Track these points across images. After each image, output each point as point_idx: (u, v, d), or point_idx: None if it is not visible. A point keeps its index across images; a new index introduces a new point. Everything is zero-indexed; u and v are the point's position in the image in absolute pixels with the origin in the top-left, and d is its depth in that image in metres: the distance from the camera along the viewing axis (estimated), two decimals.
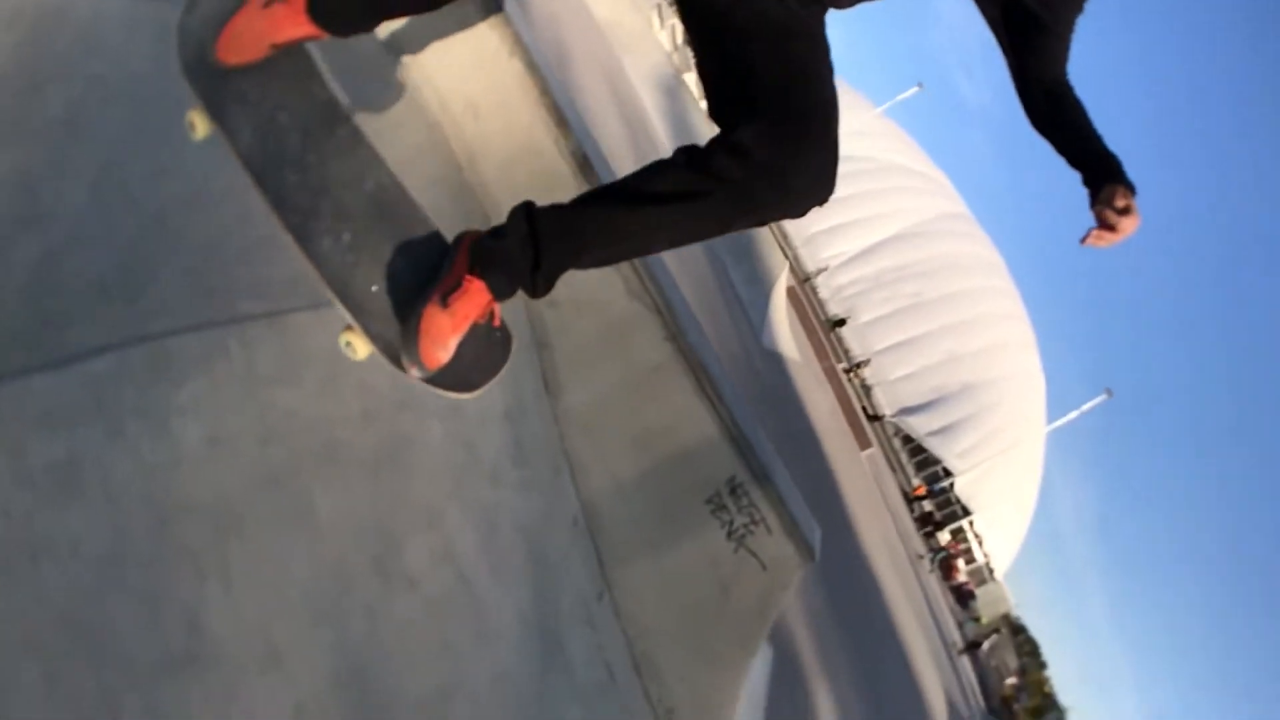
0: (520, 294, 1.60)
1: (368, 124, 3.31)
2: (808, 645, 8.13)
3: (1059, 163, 1.88)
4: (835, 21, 1.63)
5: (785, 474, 3.90)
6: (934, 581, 33.69)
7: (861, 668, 10.51)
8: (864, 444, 30.02)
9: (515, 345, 1.76)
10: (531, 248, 1.52)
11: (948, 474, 45.96)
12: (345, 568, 2.30)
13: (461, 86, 3.65)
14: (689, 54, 1.70)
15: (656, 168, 1.54)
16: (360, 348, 1.53)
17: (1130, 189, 1.71)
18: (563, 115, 3.77)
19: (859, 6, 1.59)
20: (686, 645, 4.04)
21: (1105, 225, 1.71)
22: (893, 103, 50.24)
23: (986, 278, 58.16)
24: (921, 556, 32.63)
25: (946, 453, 46.28)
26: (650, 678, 4.01)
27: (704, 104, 1.58)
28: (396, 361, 1.53)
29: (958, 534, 43.62)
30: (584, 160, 3.83)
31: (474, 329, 1.57)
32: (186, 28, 1.47)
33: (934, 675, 18.59)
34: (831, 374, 30.72)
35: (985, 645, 34.61)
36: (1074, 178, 1.84)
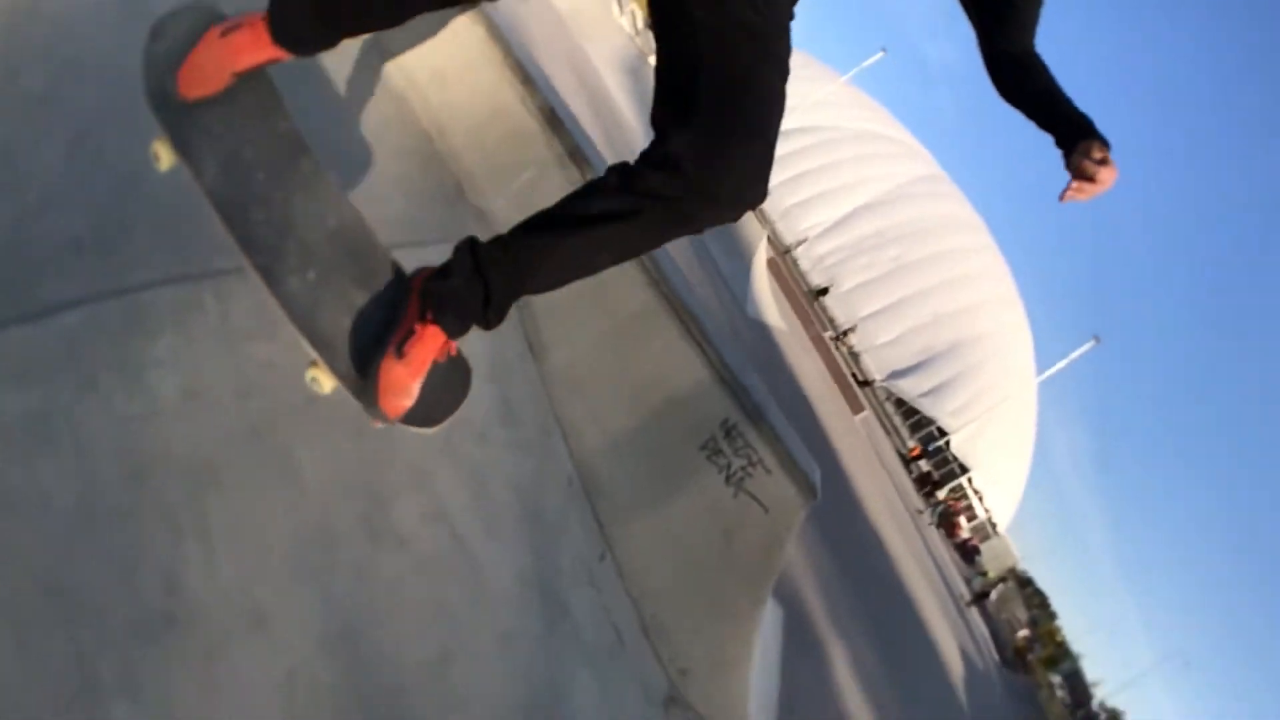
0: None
1: (335, 100, 3.19)
2: (818, 606, 8.10)
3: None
4: None
5: (779, 414, 3.83)
6: (937, 537, 33.88)
7: (873, 625, 10.52)
8: (856, 408, 30.13)
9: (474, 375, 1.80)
10: (480, 285, 1.54)
11: (942, 433, 46.12)
12: (331, 526, 2.21)
13: (426, 57, 3.59)
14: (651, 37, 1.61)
15: (590, 190, 1.56)
16: (325, 382, 1.55)
17: (1105, 144, 1.73)
18: (527, 73, 3.69)
19: None
20: (694, 599, 3.97)
21: (1083, 177, 1.71)
22: (858, 70, 50.06)
23: (965, 236, 58.19)
24: (921, 511, 32.79)
25: (939, 412, 46.44)
26: (660, 639, 3.93)
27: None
28: (362, 401, 1.57)
29: (957, 491, 43.80)
30: (551, 114, 3.75)
31: (434, 367, 1.60)
32: (150, 58, 1.46)
33: (946, 629, 18.67)
34: (819, 342, 30.77)
35: (993, 595, 34.86)
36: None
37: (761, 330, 15.96)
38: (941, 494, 40.64)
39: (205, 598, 1.80)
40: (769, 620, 6.30)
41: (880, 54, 48.94)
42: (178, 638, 1.72)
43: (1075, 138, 1.74)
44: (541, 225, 1.57)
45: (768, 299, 17.12)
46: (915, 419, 46.38)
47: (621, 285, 3.53)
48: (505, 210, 4.06)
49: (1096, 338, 42.08)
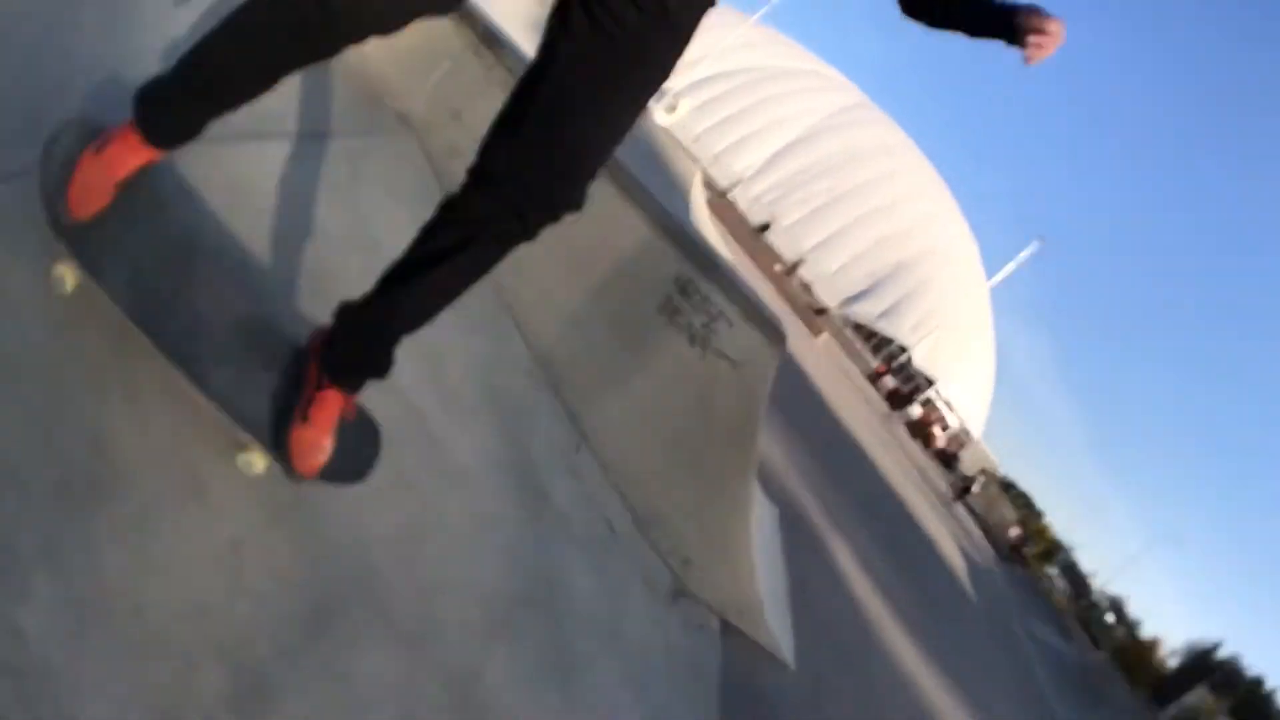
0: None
1: None
2: (811, 504, 8.02)
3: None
4: None
5: (731, 266, 3.66)
6: (912, 444, 34.31)
7: (868, 521, 10.52)
8: (816, 332, 30.23)
9: (382, 433, 1.98)
10: (360, 346, 1.71)
11: (904, 351, 46.66)
12: None
13: None
14: None
15: (430, 231, 1.64)
16: (258, 463, 1.71)
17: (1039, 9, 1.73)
18: None
19: None
20: (682, 479, 3.80)
21: (1038, 32, 1.70)
22: (767, 8, 49.62)
23: (897, 158, 58.58)
24: (889, 414, 33.14)
25: (898, 330, 46.99)
26: (655, 529, 3.77)
27: None
28: (284, 467, 1.73)
29: (927, 405, 44.37)
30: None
31: (344, 425, 1.75)
32: (42, 189, 1.50)
33: (939, 526, 18.91)
34: (769, 274, 30.72)
35: (975, 487, 35.42)
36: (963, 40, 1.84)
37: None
38: (915, 411, 41.10)
39: (134, 460, 1.62)
40: (766, 514, 6.19)
41: None
42: (105, 505, 1.53)
43: (1015, 20, 1.72)
44: (398, 276, 1.66)
45: (712, 232, 16.85)
46: (875, 340, 46.83)
47: None
48: (425, 111, 3.82)
49: (1041, 238, 42.52)
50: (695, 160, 18.39)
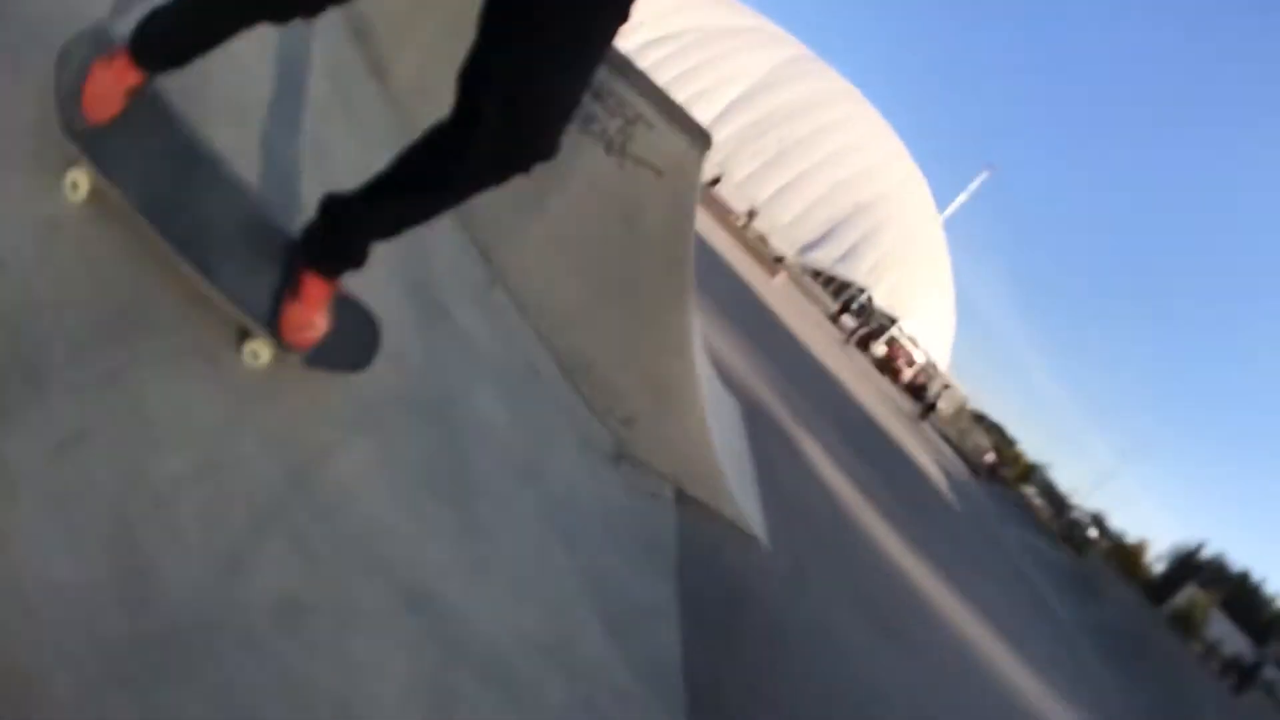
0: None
1: None
2: (779, 407, 7.80)
3: None
4: None
5: (645, 72, 3.36)
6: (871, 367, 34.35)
7: (838, 426, 10.36)
8: (773, 272, 30.14)
9: (379, 325, 2.04)
10: (340, 240, 1.79)
11: (863, 292, 46.79)
12: None
13: None
14: None
15: (415, 157, 1.70)
16: (264, 353, 1.75)
17: None
18: None
19: None
20: (611, 315, 3.52)
21: None
22: None
23: (842, 106, 58.44)
24: (847, 341, 33.12)
25: (856, 273, 47.07)
26: (588, 382, 3.49)
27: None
28: (280, 347, 1.78)
29: (892, 343, 44.62)
30: None
31: (338, 314, 1.85)
32: (59, 94, 1.58)
33: (912, 441, 18.93)
34: (724, 223, 30.48)
35: (940, 401, 35.46)
36: None
37: None
38: (880, 349, 41.31)
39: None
40: (726, 401, 5.95)
41: None
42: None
43: None
44: (379, 189, 1.74)
45: None
46: (835, 285, 46.89)
47: None
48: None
49: (990, 166, 42.62)
50: None
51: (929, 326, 50.71)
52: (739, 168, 50.23)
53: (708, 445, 3.76)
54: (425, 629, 1.77)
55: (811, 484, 6.55)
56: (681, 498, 3.71)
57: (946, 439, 34.58)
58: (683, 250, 3.42)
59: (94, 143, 1.59)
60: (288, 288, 1.79)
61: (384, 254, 2.66)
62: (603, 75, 3.16)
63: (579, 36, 1.56)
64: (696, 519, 3.67)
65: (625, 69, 3.18)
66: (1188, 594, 30.97)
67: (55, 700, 1.11)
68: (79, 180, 1.59)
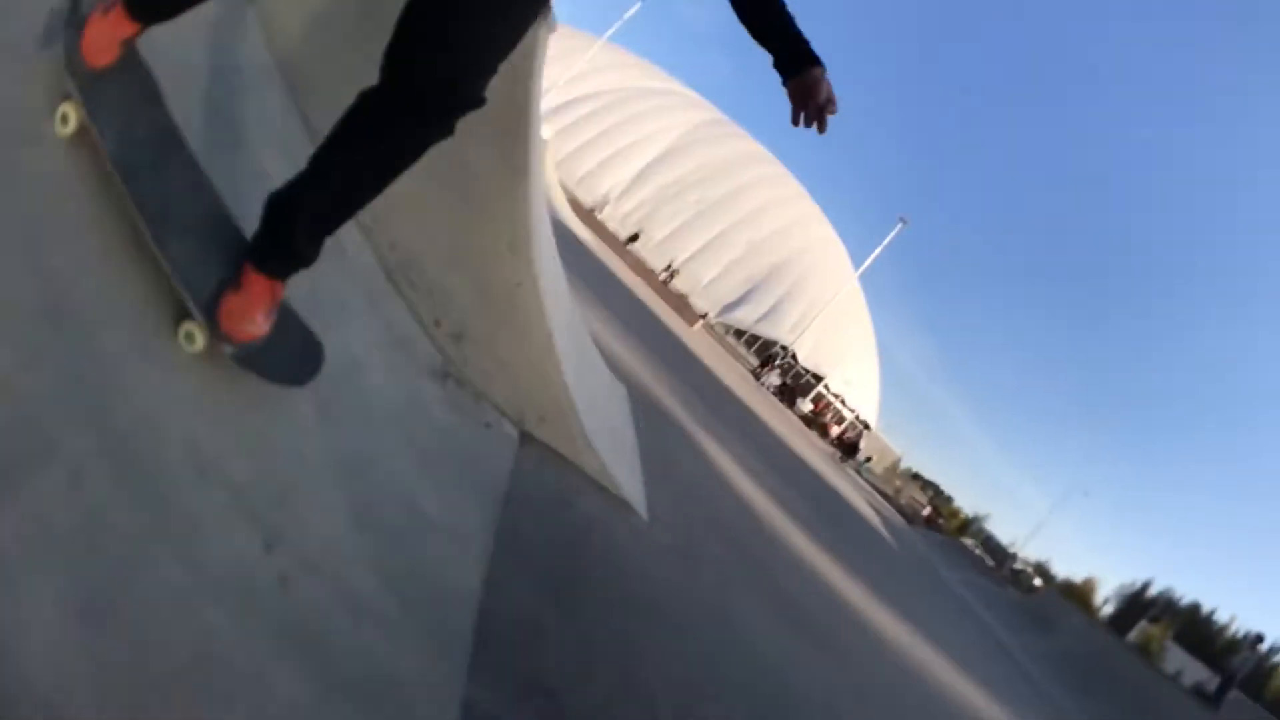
0: None
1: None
2: (685, 417, 7.09)
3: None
4: None
5: None
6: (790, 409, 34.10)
7: (754, 447, 9.66)
8: (692, 320, 29.82)
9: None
10: (283, 233, 1.73)
11: (787, 350, 46.92)
12: None
13: None
14: None
15: (347, 119, 1.67)
16: (199, 338, 1.66)
17: (822, 69, 1.91)
18: None
19: None
20: (440, 198, 2.81)
21: (817, 114, 1.91)
22: (619, 25, 49.88)
23: (759, 168, 59.80)
24: (761, 381, 32.71)
25: (778, 332, 47.24)
26: (410, 282, 2.87)
27: None
28: (215, 335, 1.68)
29: (819, 400, 44.64)
30: None
31: (281, 320, 1.78)
32: (67, 30, 1.67)
33: (836, 475, 18.34)
34: (643, 273, 30.16)
35: (861, 443, 35.14)
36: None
37: (563, 230, 15.01)
38: (806, 406, 41.21)
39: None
40: (612, 383, 5.21)
41: (636, 6, 48.79)
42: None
43: (798, 66, 1.90)
44: (314, 160, 1.70)
45: (562, 200, 16.14)
46: (759, 344, 46.95)
47: None
48: None
49: (903, 219, 43.43)
50: (544, 140, 17.57)
51: (855, 384, 51.12)
52: (658, 228, 50.59)
53: (557, 380, 3.05)
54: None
55: (719, 485, 5.79)
56: (528, 441, 3.02)
57: (880, 492, 34.29)
58: (521, 127, 2.75)
59: (88, 84, 1.65)
60: (232, 280, 1.73)
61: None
62: None
63: None
64: (545, 464, 2.98)
65: None
66: (1140, 630, 30.91)
67: None
68: (69, 113, 1.63)
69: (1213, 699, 16.66)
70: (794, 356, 47.01)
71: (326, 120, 1.73)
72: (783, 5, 1.91)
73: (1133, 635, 30.15)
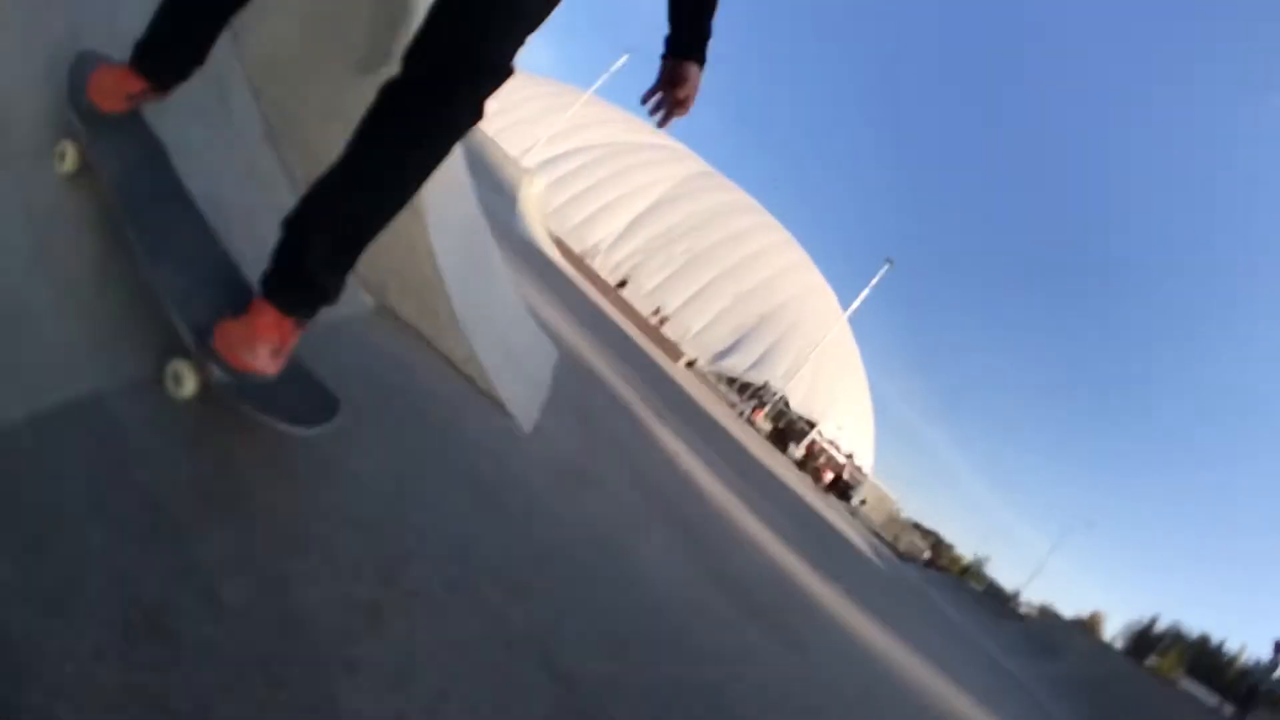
0: None
1: None
2: (663, 430, 6.46)
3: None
4: None
5: None
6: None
7: (732, 468, 8.98)
8: (676, 356, 29.25)
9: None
10: (299, 256, 1.51)
11: (778, 396, 46.26)
12: None
13: None
14: None
15: (366, 119, 1.50)
16: (188, 381, 1.43)
17: (700, 67, 1.87)
18: None
19: None
20: (322, 50, 2.46)
21: (673, 102, 1.86)
22: (606, 77, 50.51)
23: (746, 218, 60.21)
24: (741, 413, 31.98)
25: (770, 378, 46.67)
26: (297, 149, 2.47)
27: None
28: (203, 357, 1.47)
29: (812, 445, 43.75)
30: None
31: (292, 374, 1.57)
32: (75, 62, 1.66)
33: (824, 505, 17.50)
34: (639, 324, 29.69)
35: (845, 475, 34.28)
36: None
37: (537, 252, 14.58)
38: (798, 452, 40.41)
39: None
40: (538, 336, 4.60)
41: (625, 58, 49.42)
42: None
43: (685, 54, 1.83)
44: (334, 166, 1.51)
45: (540, 230, 15.83)
46: (751, 390, 46.32)
47: None
48: None
49: (889, 260, 43.20)
50: (524, 170, 17.36)
51: (849, 429, 50.42)
52: (649, 278, 50.52)
53: (424, 248, 2.64)
54: None
55: (666, 463, 5.14)
56: (386, 315, 2.64)
57: (876, 535, 33.31)
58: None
59: (92, 121, 1.61)
60: (235, 309, 1.51)
61: None
62: None
63: None
64: (397, 339, 2.57)
65: None
66: (1150, 664, 29.79)
67: None
68: (68, 151, 1.59)
69: (1248, 693, 15.69)
70: (786, 403, 46.34)
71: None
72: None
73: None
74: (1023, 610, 35.48)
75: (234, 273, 1.66)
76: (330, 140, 1.60)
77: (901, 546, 37.05)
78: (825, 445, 45.37)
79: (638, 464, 4.20)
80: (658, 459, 4.92)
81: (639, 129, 61.94)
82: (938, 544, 52.09)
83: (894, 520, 49.28)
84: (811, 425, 46.28)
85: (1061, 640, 18.28)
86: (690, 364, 37.06)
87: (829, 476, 39.32)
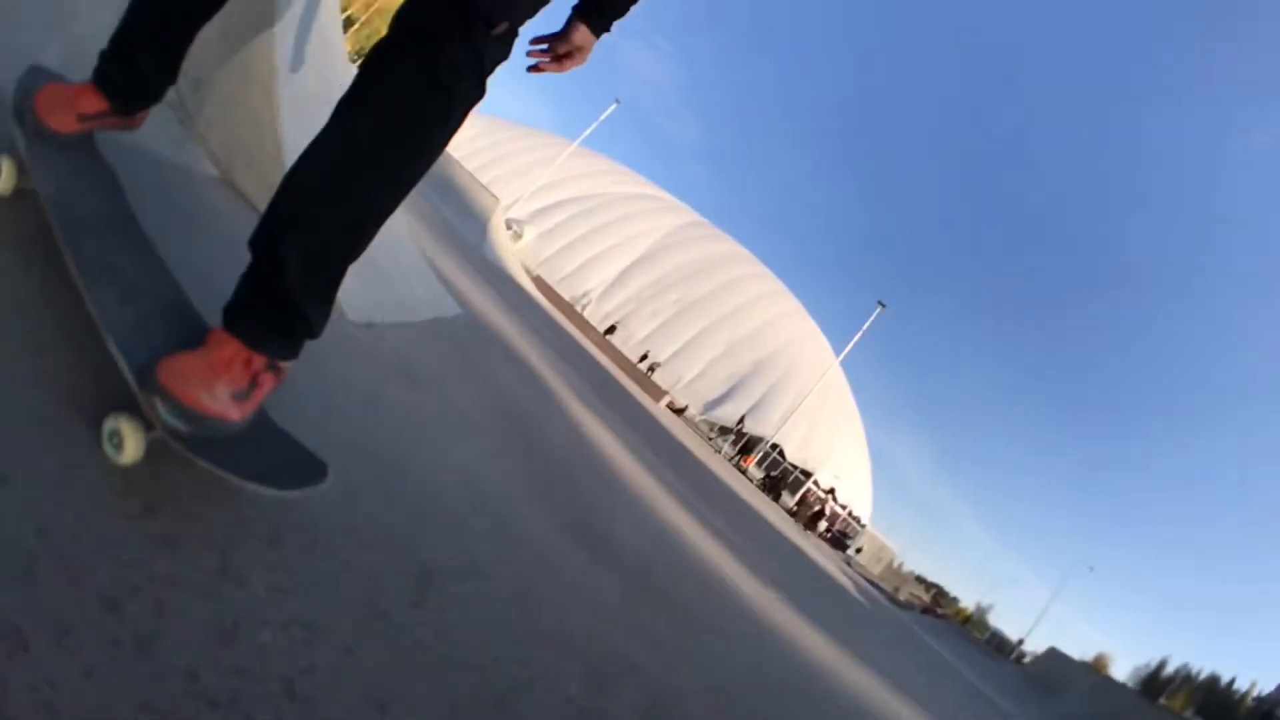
0: None
1: None
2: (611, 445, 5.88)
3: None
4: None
5: None
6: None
7: (704, 497, 8.33)
8: (658, 396, 28.63)
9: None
10: (272, 283, 1.25)
11: (775, 447, 45.50)
12: None
13: None
14: None
15: (352, 93, 1.30)
16: (130, 442, 1.12)
17: (595, 39, 1.73)
18: None
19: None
20: None
21: (556, 57, 1.72)
22: (595, 126, 50.63)
23: (738, 267, 60.19)
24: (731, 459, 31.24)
25: (764, 428, 45.97)
26: None
27: None
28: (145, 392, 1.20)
29: (807, 494, 42.83)
30: None
31: (267, 436, 1.29)
32: (24, 76, 1.54)
33: (806, 544, 16.66)
34: (628, 371, 29.20)
35: (828, 510, 33.49)
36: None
37: (505, 276, 14.17)
38: (789, 500, 39.54)
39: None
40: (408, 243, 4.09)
41: (615, 105, 49.77)
42: None
43: (587, 19, 1.70)
44: (305, 188, 1.26)
45: (511, 256, 15.55)
46: (746, 440, 45.57)
47: None
48: None
49: (881, 303, 42.74)
50: (495, 197, 17.16)
51: (845, 478, 49.58)
52: (640, 326, 50.24)
53: (270, 123, 2.54)
54: None
55: (577, 439, 4.53)
56: (230, 187, 2.59)
57: (872, 583, 32.24)
58: None
59: (34, 134, 1.48)
60: (191, 345, 1.25)
61: None
62: None
63: None
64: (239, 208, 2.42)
65: None
66: (1160, 704, 28.69)
67: None
68: (3, 167, 1.48)
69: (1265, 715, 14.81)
70: (781, 452, 45.53)
71: None
72: None
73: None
74: (1027, 660, 34.40)
75: (192, 311, 1.41)
76: None
77: (902, 597, 36.04)
78: (821, 495, 44.46)
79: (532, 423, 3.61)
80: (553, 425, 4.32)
81: (628, 179, 62.41)
82: (940, 594, 50.93)
83: (894, 571, 48.17)
84: (807, 475, 45.44)
85: (1064, 679, 17.27)
86: (679, 411, 36.44)
87: (823, 525, 38.38)
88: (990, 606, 51.08)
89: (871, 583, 31.48)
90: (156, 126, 2.30)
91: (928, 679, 8.78)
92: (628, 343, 45.34)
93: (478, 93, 1.28)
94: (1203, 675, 34.52)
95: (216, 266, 1.60)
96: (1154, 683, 34.65)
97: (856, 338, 42.12)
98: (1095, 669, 28.80)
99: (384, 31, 1.32)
